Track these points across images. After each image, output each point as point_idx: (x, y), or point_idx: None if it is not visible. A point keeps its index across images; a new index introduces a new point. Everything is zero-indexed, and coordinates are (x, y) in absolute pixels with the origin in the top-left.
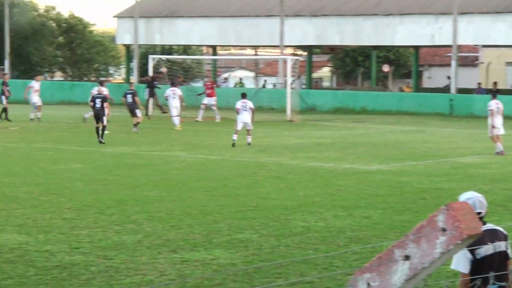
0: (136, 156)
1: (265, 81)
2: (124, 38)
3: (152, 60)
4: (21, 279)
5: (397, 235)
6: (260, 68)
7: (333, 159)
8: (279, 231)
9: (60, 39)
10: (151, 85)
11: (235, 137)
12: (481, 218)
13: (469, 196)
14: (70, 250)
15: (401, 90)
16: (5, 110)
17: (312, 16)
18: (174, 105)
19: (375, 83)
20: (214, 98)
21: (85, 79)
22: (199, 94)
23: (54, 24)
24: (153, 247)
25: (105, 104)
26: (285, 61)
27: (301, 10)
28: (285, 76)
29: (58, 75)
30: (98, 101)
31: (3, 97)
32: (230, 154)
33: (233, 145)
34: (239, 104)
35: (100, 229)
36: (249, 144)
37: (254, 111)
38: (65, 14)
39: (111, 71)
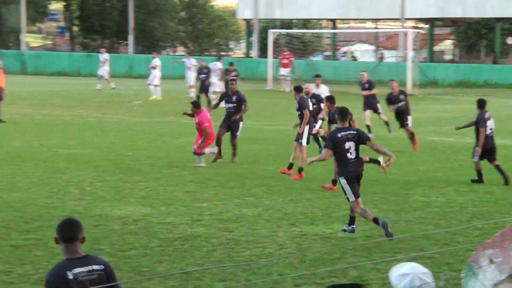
0: (255, 131)
1: (382, 54)
2: (244, 12)
3: (272, 34)
4: (145, 250)
5: None
6: (380, 42)
7: (455, 134)
8: (399, 206)
9: (182, 14)
10: None
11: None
12: None
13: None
14: (192, 223)
15: None
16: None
17: None
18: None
19: (499, 56)
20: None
21: (206, 53)
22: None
23: (176, 0)
24: (272, 221)
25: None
26: (405, 34)
27: None
28: (406, 49)
29: (180, 50)
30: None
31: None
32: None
33: None
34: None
35: (221, 202)
36: None
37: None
38: None
39: (231, 46)
